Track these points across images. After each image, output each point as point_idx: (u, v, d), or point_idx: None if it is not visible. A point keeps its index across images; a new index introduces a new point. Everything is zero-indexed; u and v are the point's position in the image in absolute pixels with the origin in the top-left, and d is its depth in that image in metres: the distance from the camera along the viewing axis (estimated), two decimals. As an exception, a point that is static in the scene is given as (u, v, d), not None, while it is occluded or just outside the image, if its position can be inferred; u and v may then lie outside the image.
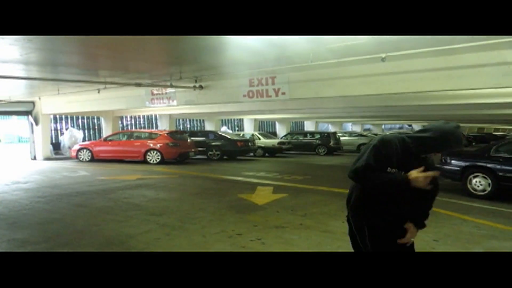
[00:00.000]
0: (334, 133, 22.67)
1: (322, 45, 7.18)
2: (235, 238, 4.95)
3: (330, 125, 35.85)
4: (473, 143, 29.24)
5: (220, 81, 12.24)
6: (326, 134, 21.88)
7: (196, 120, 31.73)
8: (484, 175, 7.72)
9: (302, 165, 15.22)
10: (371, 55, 7.73)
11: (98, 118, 22.64)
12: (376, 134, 25.17)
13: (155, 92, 13.97)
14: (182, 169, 13.06)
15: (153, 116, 27.34)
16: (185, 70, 10.83)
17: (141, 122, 28.28)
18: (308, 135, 22.59)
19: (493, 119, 29.53)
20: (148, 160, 14.63)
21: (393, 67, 8.50)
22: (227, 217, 6.10)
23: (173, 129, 21.07)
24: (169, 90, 13.43)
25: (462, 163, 8.21)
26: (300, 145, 21.45)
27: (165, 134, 15.05)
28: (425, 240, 4.85)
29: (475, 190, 7.80)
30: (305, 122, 34.44)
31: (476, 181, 7.82)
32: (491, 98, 10.99)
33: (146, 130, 21.59)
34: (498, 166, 7.53)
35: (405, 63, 8.36)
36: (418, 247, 4.56)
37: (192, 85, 12.37)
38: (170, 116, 23.06)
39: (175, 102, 13.97)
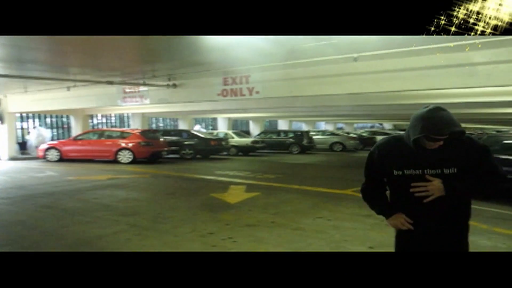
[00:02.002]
0: (307, 132, 22.89)
1: (295, 45, 7.24)
2: (206, 237, 4.93)
3: (303, 124, 36.22)
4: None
5: (194, 79, 12.15)
6: (299, 133, 22.06)
7: (170, 119, 31.40)
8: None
9: (275, 164, 15.30)
10: (343, 55, 7.85)
11: (68, 117, 22.06)
12: (348, 133, 25.58)
13: (127, 90, 13.74)
14: (155, 168, 12.91)
15: (126, 115, 26.89)
16: (158, 68, 10.70)
17: (113, 121, 27.75)
18: (281, 134, 22.73)
19: (460, 118, 30.48)
20: (119, 159, 14.37)
21: (365, 67, 8.65)
22: (199, 216, 6.07)
23: (146, 128, 20.79)
24: (142, 88, 13.23)
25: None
26: (274, 144, 21.56)
27: (137, 133, 14.82)
28: (392, 235, 4.94)
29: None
30: (279, 121, 34.67)
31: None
32: (458, 98, 11.36)
33: (117, 129, 21.21)
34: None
35: (377, 63, 8.53)
36: (385, 242, 4.68)
37: (165, 83, 12.24)
38: (143, 115, 22.74)
39: (148, 101, 13.78)
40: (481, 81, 7.80)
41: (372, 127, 42.89)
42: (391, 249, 4.46)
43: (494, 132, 24.76)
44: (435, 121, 1.95)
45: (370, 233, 5.11)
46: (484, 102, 12.17)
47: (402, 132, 2.29)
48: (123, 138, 14.76)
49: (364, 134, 28.06)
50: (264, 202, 7.19)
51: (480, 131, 35.31)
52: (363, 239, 4.84)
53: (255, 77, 10.97)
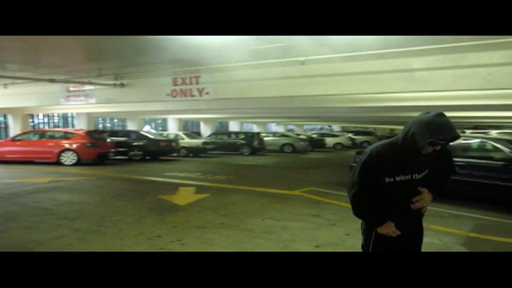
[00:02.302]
0: (258, 133, 23.10)
1: (244, 47, 7.30)
2: (154, 240, 4.85)
3: (255, 126, 36.50)
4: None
5: (143, 79, 11.91)
6: (250, 134, 22.21)
7: (118, 120, 30.47)
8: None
9: (225, 165, 15.30)
10: (291, 58, 8.03)
11: (5, 116, 20.77)
12: (298, 135, 26.09)
13: (71, 89, 13.20)
14: (101, 170, 12.47)
15: (70, 115, 25.74)
16: (104, 67, 10.38)
17: (56, 121, 26.47)
18: (232, 135, 22.77)
19: (402, 121, 32.01)
20: (62, 161, 13.73)
21: (313, 70, 8.90)
22: (146, 219, 5.95)
23: (92, 128, 20.03)
24: (87, 87, 12.76)
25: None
26: (225, 145, 21.55)
27: (82, 134, 14.24)
28: (338, 234, 5.15)
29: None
30: (230, 122, 34.72)
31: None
32: (398, 101, 11.96)
33: (60, 129, 20.26)
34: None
35: (324, 66, 8.80)
36: (331, 241, 4.84)
37: (112, 82, 11.90)
38: (89, 114, 21.92)
39: (94, 100, 13.32)
40: (419, 86, 8.28)
41: (321, 128, 44.06)
42: (337, 247, 4.63)
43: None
44: (444, 125, 2.04)
45: (317, 233, 5.26)
46: (423, 106, 12.90)
47: (391, 138, 2.33)
48: (67, 138, 14.12)
49: (314, 135, 28.76)
50: (214, 203, 7.18)
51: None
52: (310, 238, 4.98)
53: (205, 78, 10.94)
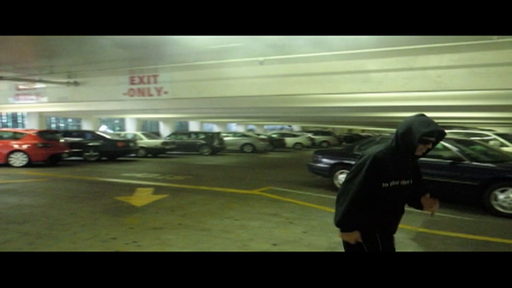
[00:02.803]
0: (218, 133, 23.01)
1: (202, 46, 7.26)
2: (109, 242, 4.71)
3: (215, 125, 36.33)
4: (343, 143, 32.40)
5: (98, 77, 11.56)
6: (210, 134, 22.08)
7: (73, 119, 29.40)
8: (349, 171, 8.57)
9: (185, 165, 15.13)
10: (250, 58, 8.06)
11: None
12: (258, 135, 26.22)
13: (21, 87, 12.61)
14: (53, 171, 11.97)
15: (20, 114, 24.53)
16: (57, 64, 9.99)
17: (4, 120, 25.16)
18: (192, 135, 22.55)
19: (360, 121, 33.02)
20: (11, 163, 13.06)
21: (271, 71, 8.98)
22: (101, 221, 5.77)
23: (44, 128, 19.19)
24: (38, 85, 12.22)
25: (331, 161, 9.00)
26: (184, 145, 21.31)
27: (33, 134, 13.59)
28: (295, 232, 5.23)
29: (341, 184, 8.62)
30: (190, 122, 34.38)
31: (342, 177, 8.65)
32: (354, 102, 12.29)
33: (9, 129, 19.25)
34: (360, 163, 8.43)
35: (282, 67, 8.90)
36: (288, 239, 4.90)
37: (65, 80, 11.46)
38: (41, 114, 21.01)
39: (45, 99, 12.79)
40: (374, 87, 8.55)
41: (281, 128, 44.52)
42: (294, 245, 4.68)
43: (388, 135, 27.05)
44: (430, 121, 2.19)
45: (275, 231, 5.31)
46: (378, 106, 13.32)
47: (385, 143, 2.35)
48: (16, 139, 13.43)
49: (274, 135, 29.00)
50: (172, 204, 7.08)
51: (378, 134, 38.52)
52: (267, 237, 5.01)
53: (164, 77, 10.78)
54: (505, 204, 6.30)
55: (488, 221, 6.00)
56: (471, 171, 6.75)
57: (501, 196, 6.34)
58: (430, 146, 2.22)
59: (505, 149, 10.89)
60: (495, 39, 6.29)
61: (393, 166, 2.24)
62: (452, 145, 7.25)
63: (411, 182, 2.38)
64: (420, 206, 2.47)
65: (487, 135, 13.19)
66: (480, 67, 7.74)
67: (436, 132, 2.19)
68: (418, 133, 2.14)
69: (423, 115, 2.25)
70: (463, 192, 6.86)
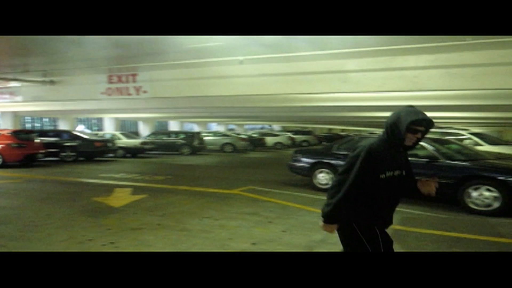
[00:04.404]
0: (198, 133, 22.89)
1: (182, 45, 7.20)
2: (85, 244, 4.62)
3: (195, 125, 36.11)
4: (323, 142, 32.66)
5: (75, 76, 11.34)
6: (190, 134, 21.94)
7: (49, 119, 28.78)
8: (328, 171, 8.64)
9: (164, 165, 14.99)
10: (230, 57, 8.04)
11: None
12: (239, 134, 26.18)
13: (-7, 85, 12.24)
14: (28, 172, 11.68)
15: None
16: (31, 63, 9.75)
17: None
18: (172, 135, 22.35)
19: (340, 121, 33.35)
20: (-15, 163, 12.70)
21: (251, 70, 8.98)
22: (78, 222, 5.66)
23: (18, 128, 18.72)
24: (12, 84, 11.90)
25: (311, 160, 9.05)
26: (164, 145, 21.11)
27: (7, 134, 13.24)
28: (274, 231, 5.24)
29: (320, 184, 8.68)
30: (170, 122, 34.07)
31: (321, 176, 8.72)
32: (333, 101, 12.40)
33: (-17, 129, 18.73)
34: (339, 162, 8.48)
35: (261, 66, 8.91)
36: (268, 238, 4.91)
37: (41, 79, 11.19)
38: (15, 113, 20.48)
39: (20, 98, 12.49)
40: (353, 87, 8.65)
41: (262, 128, 44.57)
42: (274, 244, 4.69)
43: (367, 134, 27.43)
44: (417, 110, 2.26)
45: (254, 230, 5.31)
46: (357, 106, 13.48)
47: (378, 136, 2.40)
48: (-10, 139, 13.07)
49: (254, 135, 29.02)
50: (151, 204, 7.00)
51: (357, 133, 38.99)
52: (247, 236, 5.01)
53: (143, 76, 10.66)
54: (478, 202, 6.46)
55: (462, 218, 6.15)
56: (446, 170, 6.90)
57: (474, 194, 6.50)
58: (419, 135, 2.26)
59: (479, 148, 11.17)
60: (469, 40, 6.44)
61: (387, 157, 2.29)
62: (428, 144, 7.40)
63: (403, 173, 2.43)
64: (418, 193, 2.52)
65: (462, 135, 13.52)
66: (455, 68, 7.92)
67: (424, 121, 2.24)
68: (405, 122, 2.20)
69: (412, 106, 2.30)
70: (439, 190, 6.94)
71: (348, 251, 2.44)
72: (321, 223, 2.38)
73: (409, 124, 2.20)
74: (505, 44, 6.77)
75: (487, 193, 6.39)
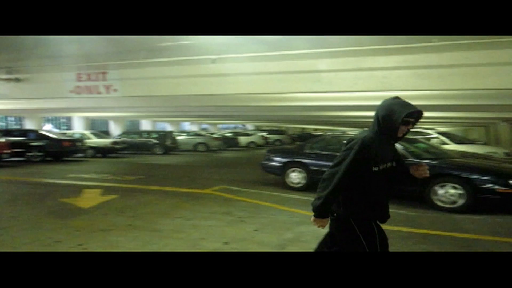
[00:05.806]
0: (171, 132, 22.63)
1: (153, 43, 7.10)
2: (52, 246, 4.49)
3: (168, 125, 35.69)
4: (296, 142, 32.90)
5: (42, 74, 10.97)
6: (162, 133, 21.67)
7: (15, 118, 27.82)
8: (300, 170, 8.71)
9: (136, 165, 14.75)
10: (202, 56, 7.98)
11: None
12: (212, 134, 26.04)
13: (-46, 82, 11.69)
14: (-8, 173, 11.26)
15: (-45, 112, 22.85)
16: (-6, 59, 9.38)
17: None
18: (144, 134, 22.01)
19: (312, 120, 33.66)
20: None
21: (224, 70, 8.92)
22: (44, 224, 5.49)
23: (-18, 127, 17.97)
24: (-27, 81, 11.40)
25: (283, 159, 9.10)
26: (136, 144, 20.76)
27: (-31, 133, 12.72)
28: (247, 230, 5.24)
29: (293, 183, 8.74)
30: (142, 121, 33.54)
31: (293, 175, 8.78)
32: (306, 101, 12.51)
33: None
34: (311, 161, 8.57)
35: (234, 66, 8.87)
36: (240, 237, 4.91)
37: (5, 76, 10.78)
38: (-22, 112, 19.66)
39: (-18, 96, 11.94)
40: (324, 86, 8.73)
41: (235, 127, 44.50)
42: (246, 243, 4.69)
43: (339, 133, 27.77)
44: (407, 102, 2.28)
45: (226, 230, 5.30)
46: (329, 106, 13.64)
47: (368, 129, 2.40)
48: (-50, 139, 12.51)
49: (227, 134, 28.94)
50: (122, 205, 6.88)
51: (329, 132, 39.45)
52: (219, 236, 4.99)
53: (113, 75, 10.42)
54: (444, 199, 6.67)
55: (429, 215, 6.34)
56: (414, 168, 7.08)
57: (440, 191, 6.70)
58: (410, 126, 2.31)
59: (446, 146, 11.54)
60: (435, 41, 6.63)
61: (380, 149, 2.30)
62: (398, 144, 7.57)
63: (394, 164, 2.46)
64: (412, 179, 2.55)
65: (430, 134, 13.93)
66: (423, 69, 8.12)
67: (415, 112, 2.29)
68: (401, 114, 2.21)
69: (399, 98, 2.34)
70: (407, 188, 7.18)
71: (343, 246, 2.44)
72: (312, 217, 2.38)
73: (404, 117, 2.23)
74: (469, 46, 6.99)
75: (452, 191, 6.61)
